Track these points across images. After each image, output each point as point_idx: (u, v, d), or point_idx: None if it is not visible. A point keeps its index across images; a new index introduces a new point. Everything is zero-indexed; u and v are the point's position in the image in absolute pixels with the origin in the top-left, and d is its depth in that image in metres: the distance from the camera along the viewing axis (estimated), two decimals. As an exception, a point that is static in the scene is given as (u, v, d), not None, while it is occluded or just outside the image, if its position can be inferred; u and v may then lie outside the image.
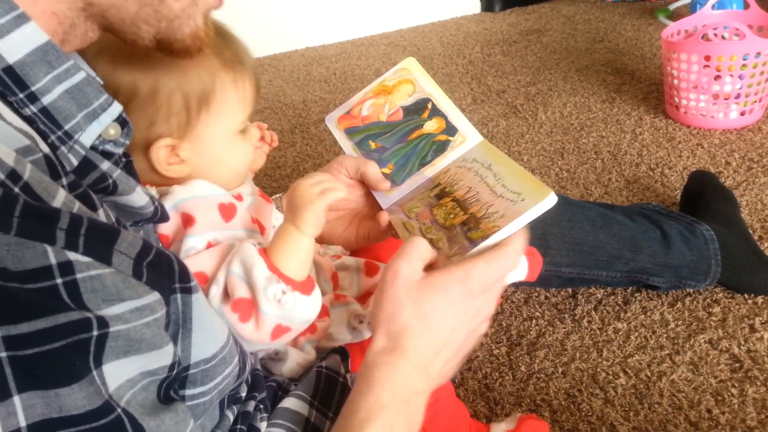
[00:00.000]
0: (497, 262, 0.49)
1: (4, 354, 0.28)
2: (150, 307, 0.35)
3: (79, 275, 0.31)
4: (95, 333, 0.31)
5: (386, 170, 0.65)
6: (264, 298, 0.51)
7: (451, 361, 0.50)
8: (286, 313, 0.52)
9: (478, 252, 0.50)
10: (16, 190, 0.30)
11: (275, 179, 1.45)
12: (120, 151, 0.43)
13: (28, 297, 0.29)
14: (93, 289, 0.31)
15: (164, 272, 0.38)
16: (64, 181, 0.35)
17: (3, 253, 0.29)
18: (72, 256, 0.31)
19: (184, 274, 0.41)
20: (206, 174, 0.58)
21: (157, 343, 0.35)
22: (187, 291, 0.41)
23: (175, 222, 0.55)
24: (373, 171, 0.66)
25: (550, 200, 0.50)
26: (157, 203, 0.48)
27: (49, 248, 0.30)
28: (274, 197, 0.72)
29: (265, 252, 0.54)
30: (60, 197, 0.32)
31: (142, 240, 0.36)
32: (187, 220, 0.55)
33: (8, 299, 0.29)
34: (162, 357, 0.36)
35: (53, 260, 0.30)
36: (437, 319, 0.47)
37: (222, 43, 0.55)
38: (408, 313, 0.47)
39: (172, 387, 0.38)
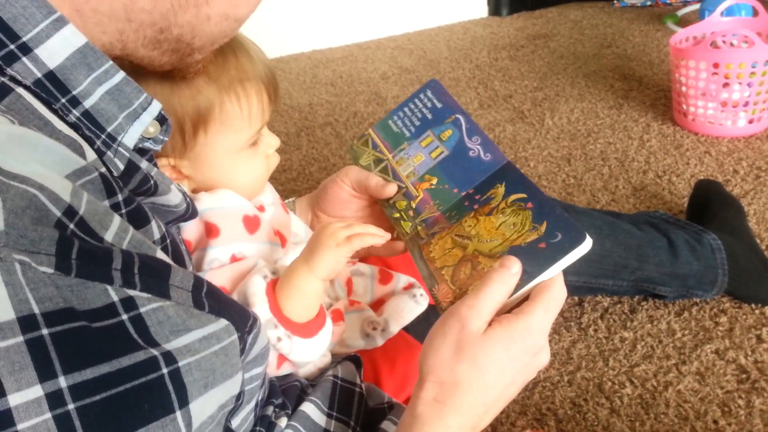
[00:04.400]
0: (554, 307, 0.46)
1: (71, 406, 0.28)
2: (216, 336, 0.34)
3: (142, 309, 0.31)
4: (165, 371, 0.31)
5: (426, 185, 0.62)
6: None
7: (498, 410, 0.48)
8: (284, 353, 0.53)
9: (516, 300, 0.48)
10: (71, 226, 0.30)
11: (281, 182, 1.45)
12: (159, 148, 0.44)
13: (94, 340, 0.29)
14: (159, 322, 0.31)
15: (229, 301, 0.38)
16: (120, 197, 0.35)
17: (68, 294, 0.29)
18: (132, 292, 0.31)
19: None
20: (215, 188, 0.58)
21: (229, 371, 0.35)
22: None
23: (198, 230, 0.55)
24: (375, 181, 0.64)
25: (587, 244, 0.48)
26: (188, 200, 0.48)
27: (109, 287, 0.30)
28: (286, 201, 0.72)
29: (273, 288, 0.53)
30: (113, 227, 0.33)
31: (192, 275, 0.36)
32: (211, 230, 0.55)
33: (76, 343, 0.28)
34: (233, 386, 0.36)
35: (115, 297, 0.30)
36: (495, 376, 0.45)
37: (225, 57, 0.54)
38: (466, 367, 0.44)
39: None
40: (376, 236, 0.54)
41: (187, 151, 0.55)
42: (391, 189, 0.62)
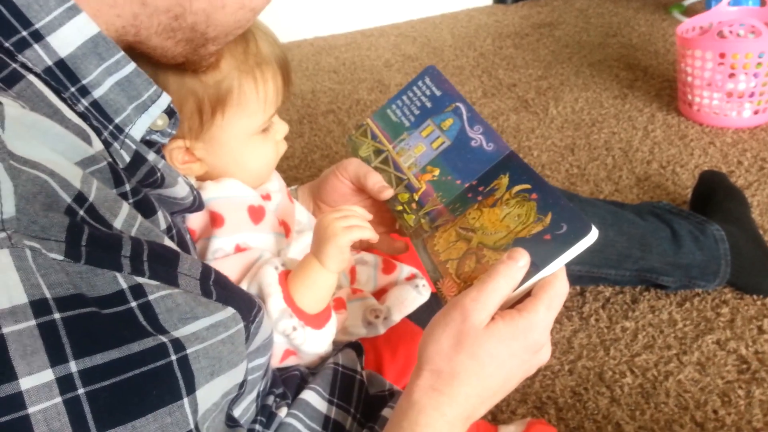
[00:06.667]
0: (557, 305, 0.46)
1: (81, 391, 0.28)
2: (224, 324, 0.34)
3: (151, 297, 0.31)
4: (173, 357, 0.31)
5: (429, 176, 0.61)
6: (274, 329, 0.51)
7: (494, 403, 0.48)
8: (295, 346, 0.53)
9: (519, 294, 0.47)
10: (81, 213, 0.30)
11: (283, 170, 1.45)
12: (166, 140, 0.44)
13: (104, 326, 0.29)
14: (167, 309, 0.32)
15: (236, 290, 0.38)
16: (128, 186, 0.35)
17: (78, 281, 0.29)
18: (140, 279, 0.31)
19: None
20: (224, 173, 0.58)
21: (234, 360, 0.35)
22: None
23: (203, 219, 0.55)
24: (373, 181, 0.62)
25: (593, 235, 0.47)
26: (195, 193, 0.48)
27: (118, 274, 0.30)
28: (289, 189, 0.71)
29: (285, 278, 0.53)
30: (122, 215, 0.33)
31: (200, 263, 0.36)
32: (216, 220, 0.55)
33: (86, 328, 0.29)
34: (237, 375, 0.36)
35: (124, 284, 0.30)
36: (493, 370, 0.44)
37: (246, 41, 0.54)
38: (465, 359, 0.44)
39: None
40: (368, 230, 0.54)
41: (203, 132, 0.55)
42: (388, 193, 0.61)
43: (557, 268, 0.47)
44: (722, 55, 1.29)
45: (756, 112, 1.36)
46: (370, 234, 0.54)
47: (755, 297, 0.94)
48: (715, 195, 1.06)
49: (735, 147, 1.31)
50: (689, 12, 2.05)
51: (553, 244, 0.48)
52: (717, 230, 0.94)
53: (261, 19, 0.57)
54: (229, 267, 0.54)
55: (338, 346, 0.61)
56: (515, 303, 0.47)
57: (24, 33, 0.34)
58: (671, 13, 2.09)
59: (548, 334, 0.47)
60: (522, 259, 0.46)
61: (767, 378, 0.82)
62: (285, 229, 0.60)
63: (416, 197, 0.60)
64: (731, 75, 1.31)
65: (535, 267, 0.47)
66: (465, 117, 0.61)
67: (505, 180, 0.55)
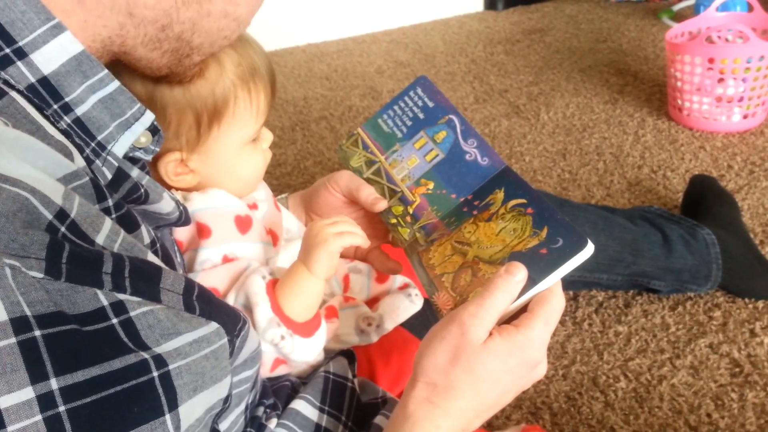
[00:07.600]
0: (554, 320, 0.46)
1: (62, 408, 0.28)
2: (207, 339, 0.34)
3: (132, 313, 0.31)
4: (155, 374, 0.31)
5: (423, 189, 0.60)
6: (262, 338, 0.51)
7: (489, 416, 0.48)
8: (284, 354, 0.52)
9: (515, 309, 0.47)
10: (63, 229, 0.30)
11: (276, 177, 1.44)
12: (149, 158, 0.43)
13: (85, 343, 0.29)
14: (149, 325, 0.31)
15: (220, 304, 0.38)
16: (110, 201, 0.35)
17: (58, 298, 0.29)
18: (122, 296, 0.31)
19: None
20: (216, 183, 0.58)
21: (218, 375, 0.35)
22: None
23: (190, 230, 0.55)
24: (366, 193, 0.62)
25: (589, 249, 0.48)
26: (182, 208, 0.48)
27: (98, 291, 0.30)
28: (279, 197, 0.71)
29: (273, 287, 0.53)
30: (104, 230, 0.32)
31: (184, 278, 0.36)
32: (203, 231, 0.55)
33: (67, 345, 0.28)
34: (221, 390, 0.36)
35: (105, 302, 0.30)
36: (489, 385, 0.45)
37: (240, 54, 0.54)
38: (461, 373, 0.44)
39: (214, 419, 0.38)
40: (359, 236, 0.54)
41: (199, 144, 0.55)
42: (382, 205, 0.61)
43: (553, 282, 0.47)
44: (711, 60, 1.31)
45: (745, 117, 1.37)
46: (361, 240, 0.54)
47: (747, 300, 0.94)
48: (705, 199, 1.06)
49: (725, 151, 1.32)
50: (678, 17, 2.06)
51: (549, 258, 0.48)
52: (708, 234, 0.95)
53: (253, 25, 0.58)
54: (217, 278, 0.54)
55: (330, 355, 0.61)
56: (510, 317, 0.47)
57: (7, 50, 0.34)
58: (660, 18, 2.11)
59: (545, 350, 0.47)
60: (519, 273, 0.46)
61: (760, 381, 0.82)
62: (272, 237, 0.60)
63: (410, 210, 0.60)
64: (720, 80, 1.33)
65: (531, 281, 0.47)
66: (459, 130, 0.61)
67: (500, 195, 0.55)
